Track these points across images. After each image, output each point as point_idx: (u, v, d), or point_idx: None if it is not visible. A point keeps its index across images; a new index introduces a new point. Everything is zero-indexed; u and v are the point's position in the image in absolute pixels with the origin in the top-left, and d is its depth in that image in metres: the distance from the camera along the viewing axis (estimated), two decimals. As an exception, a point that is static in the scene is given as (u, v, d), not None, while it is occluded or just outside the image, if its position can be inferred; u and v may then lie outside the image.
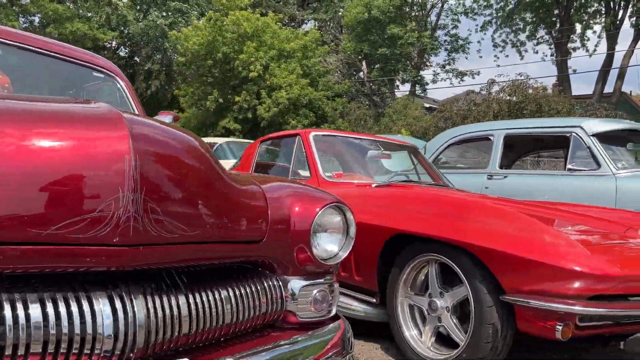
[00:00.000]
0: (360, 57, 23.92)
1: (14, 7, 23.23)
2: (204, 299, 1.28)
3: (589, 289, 1.95)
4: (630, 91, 25.27)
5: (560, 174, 4.58)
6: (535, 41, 23.89)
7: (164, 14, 25.73)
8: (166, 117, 2.71)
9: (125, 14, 24.09)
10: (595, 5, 20.70)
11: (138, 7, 25.71)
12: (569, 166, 4.40)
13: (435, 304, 2.41)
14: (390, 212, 2.65)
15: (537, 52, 30.60)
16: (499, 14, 22.69)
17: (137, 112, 2.48)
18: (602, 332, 2.21)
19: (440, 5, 23.94)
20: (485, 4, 23.73)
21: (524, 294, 2.06)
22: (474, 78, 23.50)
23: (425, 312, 2.48)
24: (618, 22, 20.19)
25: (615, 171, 4.15)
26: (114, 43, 28.31)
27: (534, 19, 23.12)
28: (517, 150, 5.95)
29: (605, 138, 4.39)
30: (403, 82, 23.60)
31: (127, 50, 28.84)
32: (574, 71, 30.63)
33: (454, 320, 2.37)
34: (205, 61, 20.02)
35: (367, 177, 3.60)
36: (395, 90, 25.68)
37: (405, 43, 21.90)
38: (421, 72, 23.59)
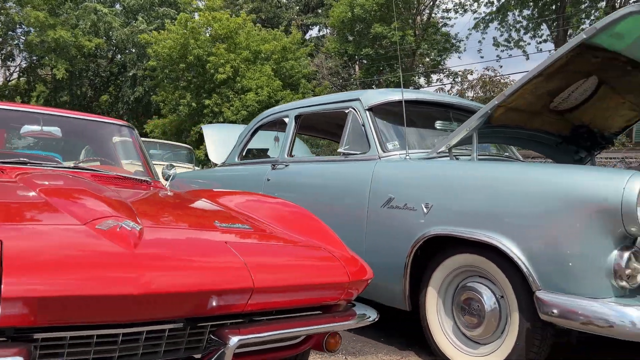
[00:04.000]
0: (346, 58, 22.97)
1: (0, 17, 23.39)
2: None
3: None
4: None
5: (338, 159, 3.55)
6: (538, 39, 22.50)
7: (152, 19, 25.47)
8: None
9: (110, 20, 23.88)
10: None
11: (126, 13, 25.56)
12: (340, 149, 3.39)
13: None
14: None
15: (541, 51, 28.91)
16: (492, 10, 21.36)
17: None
18: None
19: (430, 3, 22.77)
20: (485, 0, 22.46)
21: None
22: (466, 78, 22.07)
23: None
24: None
25: (382, 154, 3.13)
26: (109, 53, 28.26)
27: (533, 15, 21.71)
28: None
29: (384, 113, 3.36)
30: (389, 83, 22.49)
31: (122, 58, 28.72)
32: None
33: None
34: (178, 65, 19.48)
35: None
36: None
37: (390, 42, 20.83)
38: (408, 73, 22.41)
